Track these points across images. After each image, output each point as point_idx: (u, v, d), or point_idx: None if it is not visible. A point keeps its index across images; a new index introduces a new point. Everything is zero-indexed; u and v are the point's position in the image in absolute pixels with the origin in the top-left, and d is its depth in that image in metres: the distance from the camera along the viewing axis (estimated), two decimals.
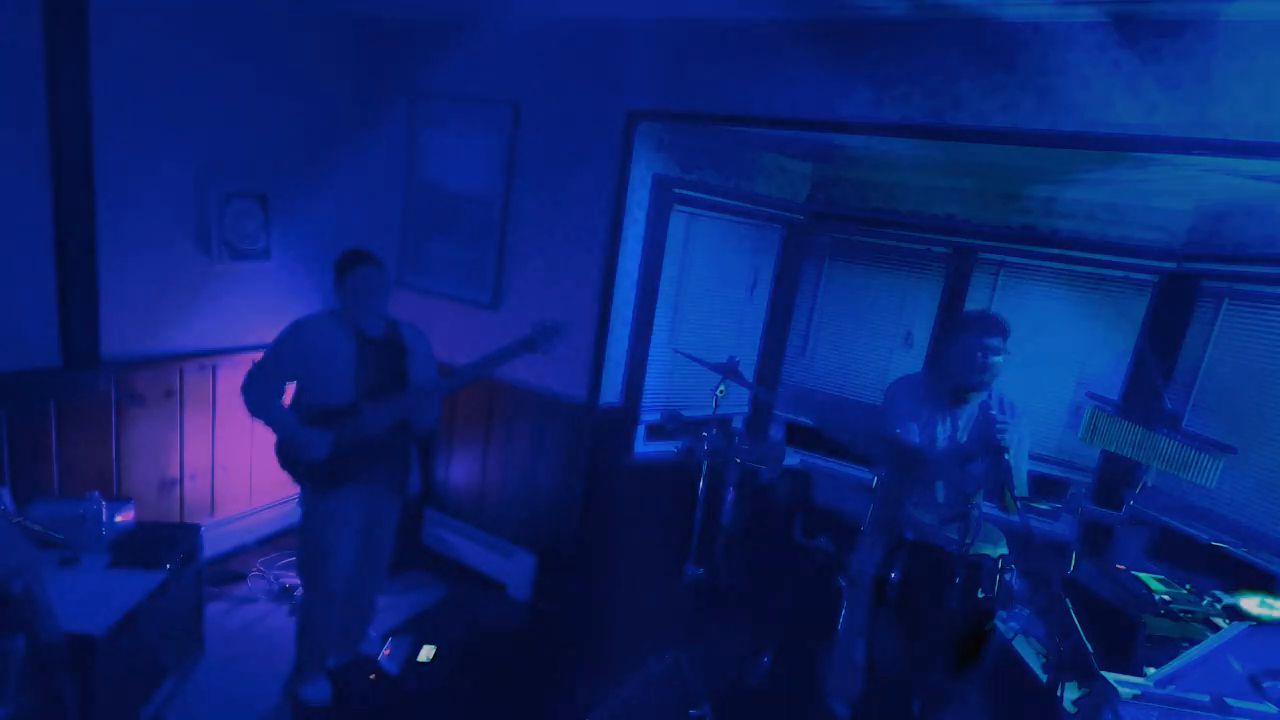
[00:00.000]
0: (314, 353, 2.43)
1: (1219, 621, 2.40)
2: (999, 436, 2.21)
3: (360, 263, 2.46)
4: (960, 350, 2.53)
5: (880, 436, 2.58)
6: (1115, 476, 3.47)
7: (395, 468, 2.69)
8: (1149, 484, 3.38)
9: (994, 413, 2.32)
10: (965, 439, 2.61)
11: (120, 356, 3.03)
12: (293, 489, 2.63)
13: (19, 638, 1.92)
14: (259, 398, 2.49)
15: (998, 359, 2.49)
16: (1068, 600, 1.83)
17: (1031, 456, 3.63)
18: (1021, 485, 2.53)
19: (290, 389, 2.57)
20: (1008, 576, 2.28)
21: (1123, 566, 2.84)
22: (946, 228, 3.80)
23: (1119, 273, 3.48)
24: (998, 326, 2.51)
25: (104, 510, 2.62)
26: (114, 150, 2.85)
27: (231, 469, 3.56)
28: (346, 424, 2.48)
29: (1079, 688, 2.16)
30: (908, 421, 2.63)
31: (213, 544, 3.40)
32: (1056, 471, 3.70)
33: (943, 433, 2.62)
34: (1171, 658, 2.08)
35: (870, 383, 4.11)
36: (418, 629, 3.24)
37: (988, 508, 2.62)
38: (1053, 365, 3.59)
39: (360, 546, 2.69)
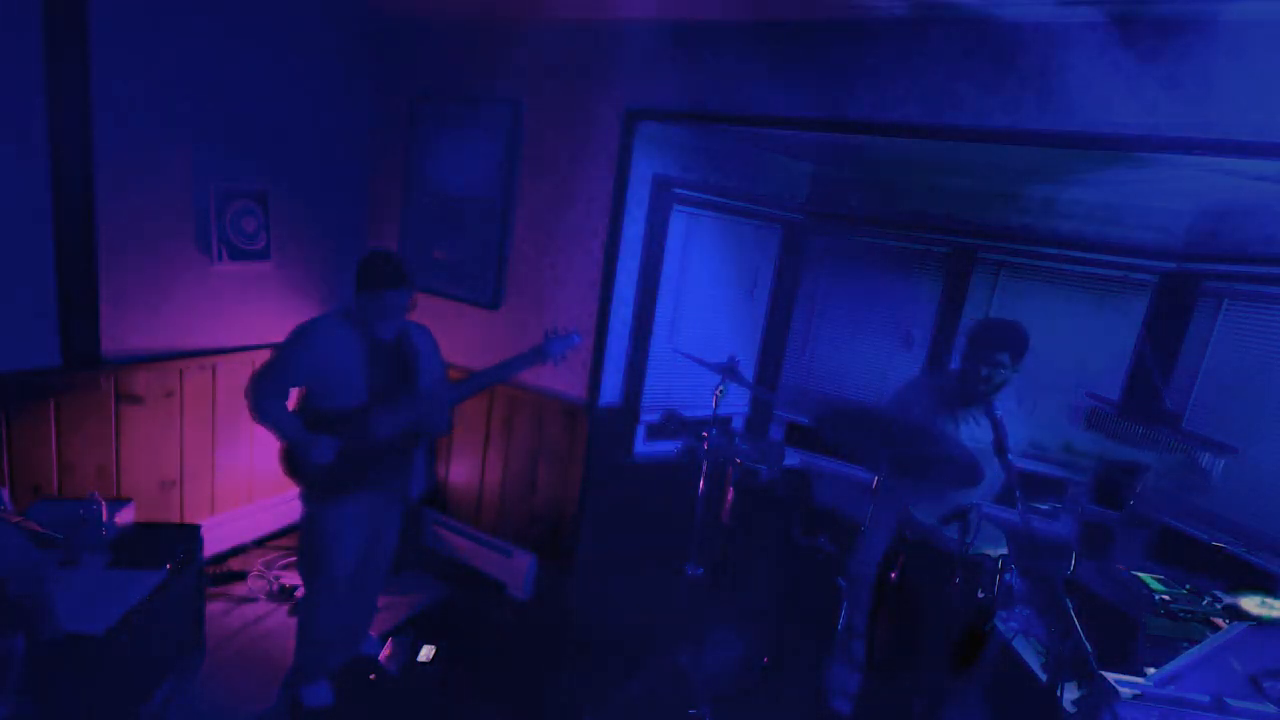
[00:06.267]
0: (324, 358, 2.40)
1: (1219, 621, 2.40)
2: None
3: (392, 284, 2.37)
4: (966, 360, 2.55)
5: (898, 422, 2.53)
6: (1115, 477, 3.47)
7: (401, 472, 2.69)
8: (1149, 484, 3.37)
9: (998, 413, 2.32)
10: (987, 438, 2.61)
11: (120, 356, 3.03)
12: (293, 487, 2.63)
13: (19, 638, 1.92)
14: (265, 403, 2.44)
15: (1002, 373, 2.48)
16: (1068, 600, 1.83)
17: (1031, 456, 3.63)
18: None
19: (295, 392, 2.55)
20: (1008, 576, 2.28)
21: (1123, 566, 2.83)
22: (946, 228, 3.80)
23: (1119, 273, 3.48)
24: (1007, 342, 2.48)
25: (104, 510, 2.62)
26: (114, 150, 2.85)
27: (231, 469, 3.56)
28: (356, 429, 2.47)
29: (1079, 688, 2.16)
30: (929, 419, 2.63)
31: (213, 544, 3.40)
32: (1057, 471, 3.70)
33: (965, 428, 2.62)
34: (1171, 658, 2.08)
35: (870, 383, 4.12)
36: (418, 629, 3.24)
37: (988, 508, 2.62)
38: (1053, 365, 3.59)
39: (363, 549, 2.68)
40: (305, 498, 2.56)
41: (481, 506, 3.85)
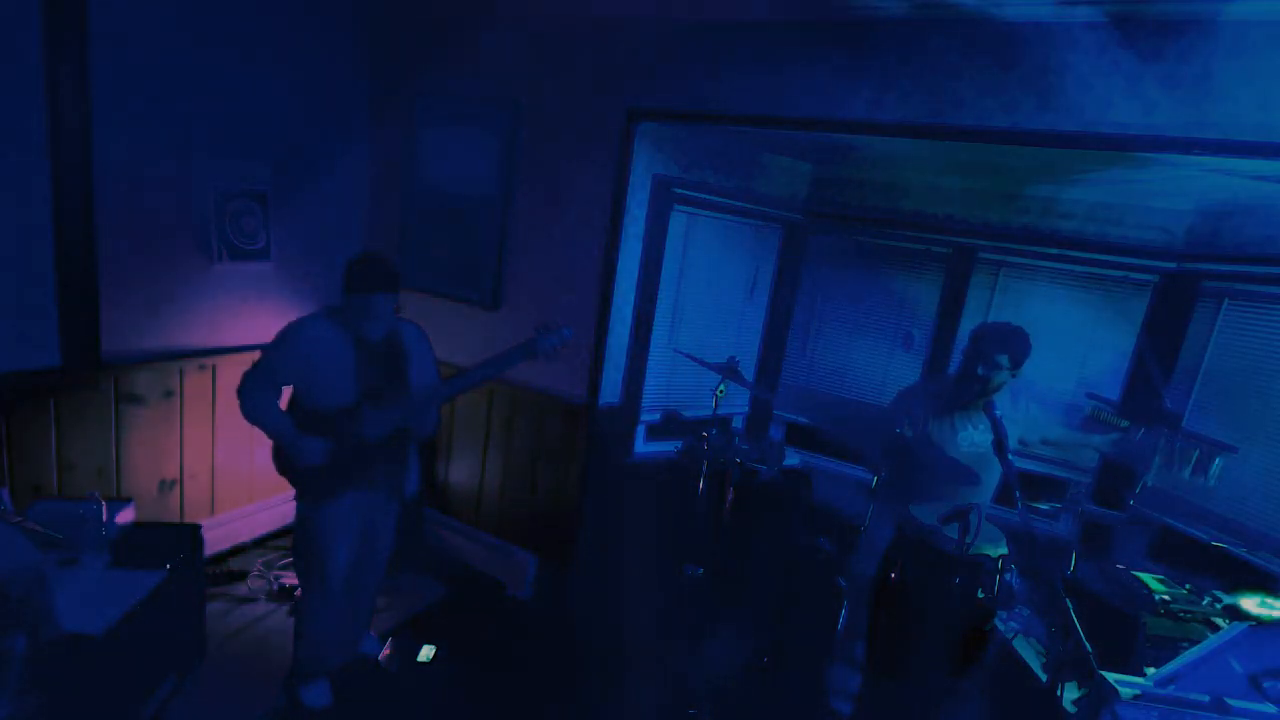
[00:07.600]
0: (312, 357, 2.38)
1: (1219, 621, 2.40)
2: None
3: (378, 289, 2.34)
4: (965, 359, 2.58)
5: (891, 437, 2.58)
6: (1115, 476, 3.47)
7: (393, 471, 2.67)
8: (1149, 484, 3.38)
9: (997, 413, 2.33)
10: (987, 440, 2.62)
11: (120, 356, 3.03)
12: (292, 488, 2.65)
13: (19, 638, 1.92)
14: (255, 403, 2.43)
15: (998, 375, 2.51)
16: (1068, 600, 1.83)
17: (1030, 456, 3.62)
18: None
19: (287, 392, 2.55)
20: (1008, 576, 2.28)
21: (1123, 566, 2.84)
22: (946, 228, 3.80)
23: (1119, 273, 3.48)
24: (1008, 345, 2.50)
25: (104, 510, 2.61)
26: (114, 150, 2.84)
27: (231, 469, 3.56)
28: (346, 430, 2.47)
29: (1079, 688, 2.16)
30: (928, 421, 2.64)
31: (213, 544, 3.40)
32: (1057, 471, 3.70)
33: (964, 433, 2.63)
34: (1171, 658, 2.08)
35: (870, 383, 4.12)
36: (418, 629, 3.24)
37: (988, 508, 2.62)
38: (1053, 365, 3.59)
39: (358, 548, 2.68)
40: (298, 498, 2.56)
41: (481, 506, 3.85)
